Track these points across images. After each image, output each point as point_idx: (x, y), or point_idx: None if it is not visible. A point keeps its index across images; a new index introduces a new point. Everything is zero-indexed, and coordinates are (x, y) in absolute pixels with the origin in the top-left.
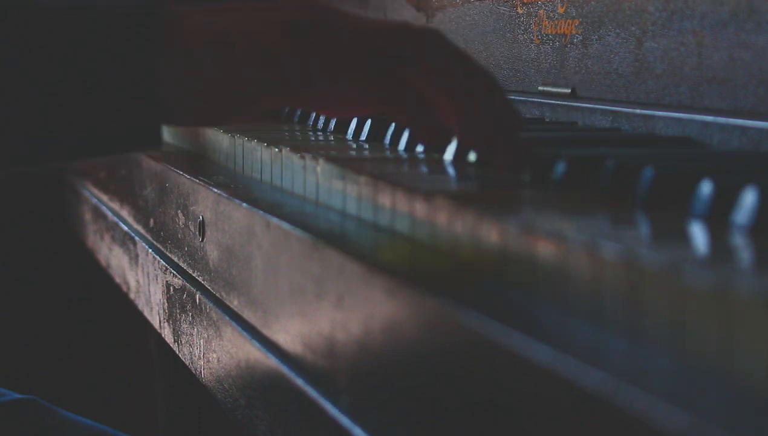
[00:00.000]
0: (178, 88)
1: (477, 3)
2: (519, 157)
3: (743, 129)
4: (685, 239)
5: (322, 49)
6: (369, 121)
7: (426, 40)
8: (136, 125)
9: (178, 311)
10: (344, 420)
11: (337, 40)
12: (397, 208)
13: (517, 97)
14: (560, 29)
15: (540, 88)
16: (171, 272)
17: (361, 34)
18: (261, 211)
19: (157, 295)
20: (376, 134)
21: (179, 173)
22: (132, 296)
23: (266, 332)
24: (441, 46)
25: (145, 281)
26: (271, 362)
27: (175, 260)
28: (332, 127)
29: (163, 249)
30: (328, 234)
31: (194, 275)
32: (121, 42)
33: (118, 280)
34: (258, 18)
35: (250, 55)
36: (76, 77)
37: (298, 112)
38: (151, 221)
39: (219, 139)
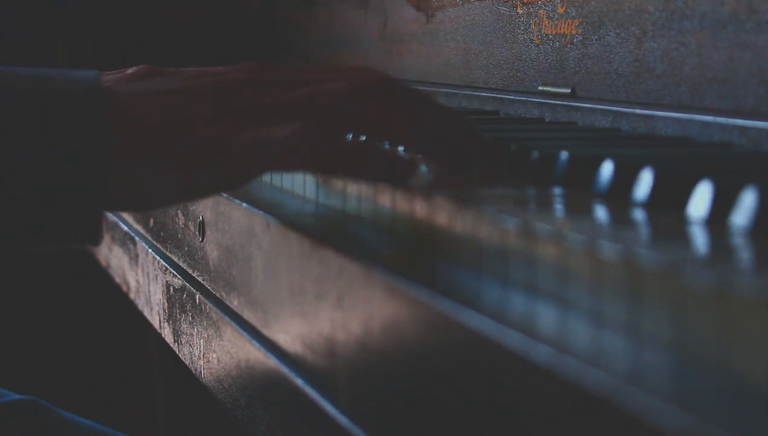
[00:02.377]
0: (123, 184)
1: (477, 3)
2: (490, 155)
3: (743, 129)
4: (685, 239)
5: (268, 140)
6: None
7: (372, 102)
8: (82, 215)
9: (178, 311)
10: (344, 420)
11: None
12: (396, 208)
13: (517, 97)
14: (560, 29)
15: (540, 88)
16: (171, 272)
17: (309, 114)
18: (261, 212)
19: (157, 295)
20: None
21: None
22: (132, 296)
23: (266, 332)
24: (385, 98)
25: (145, 281)
26: (271, 362)
27: (175, 260)
28: None
29: (163, 249)
30: (328, 234)
31: (194, 275)
32: (70, 128)
33: (118, 280)
34: (200, 106)
35: (194, 153)
36: (23, 167)
37: None
38: (151, 221)
39: None
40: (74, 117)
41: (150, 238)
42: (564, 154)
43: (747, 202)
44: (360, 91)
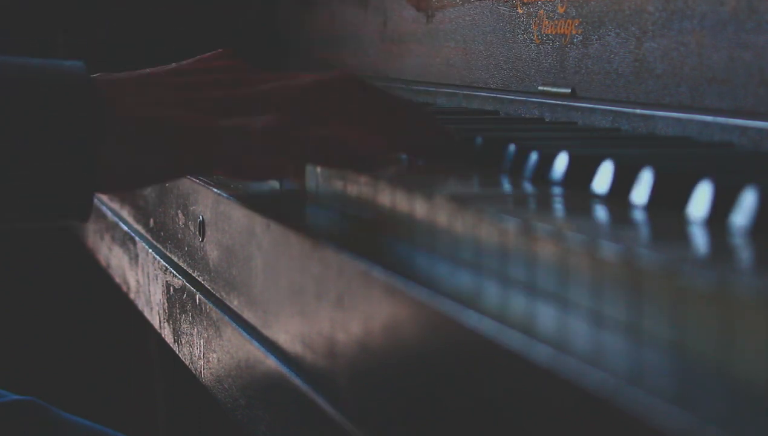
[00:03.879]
0: (111, 164)
1: (477, 3)
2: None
3: (743, 129)
4: (685, 239)
5: (245, 129)
6: None
7: (340, 93)
8: (72, 197)
9: (178, 311)
10: (344, 420)
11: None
12: (396, 208)
13: (517, 97)
14: (560, 29)
15: (540, 88)
16: (171, 272)
17: (283, 105)
18: (261, 212)
19: (157, 295)
20: None
21: None
22: (132, 296)
23: (266, 332)
24: (354, 95)
25: (145, 281)
26: (271, 362)
27: (175, 260)
28: None
29: (163, 249)
30: (328, 234)
31: (194, 275)
32: (66, 116)
33: (118, 280)
34: (183, 99)
35: (176, 140)
36: (16, 146)
37: None
38: (151, 221)
39: None
40: (66, 102)
41: (150, 238)
42: (564, 154)
43: (747, 202)
44: (325, 84)
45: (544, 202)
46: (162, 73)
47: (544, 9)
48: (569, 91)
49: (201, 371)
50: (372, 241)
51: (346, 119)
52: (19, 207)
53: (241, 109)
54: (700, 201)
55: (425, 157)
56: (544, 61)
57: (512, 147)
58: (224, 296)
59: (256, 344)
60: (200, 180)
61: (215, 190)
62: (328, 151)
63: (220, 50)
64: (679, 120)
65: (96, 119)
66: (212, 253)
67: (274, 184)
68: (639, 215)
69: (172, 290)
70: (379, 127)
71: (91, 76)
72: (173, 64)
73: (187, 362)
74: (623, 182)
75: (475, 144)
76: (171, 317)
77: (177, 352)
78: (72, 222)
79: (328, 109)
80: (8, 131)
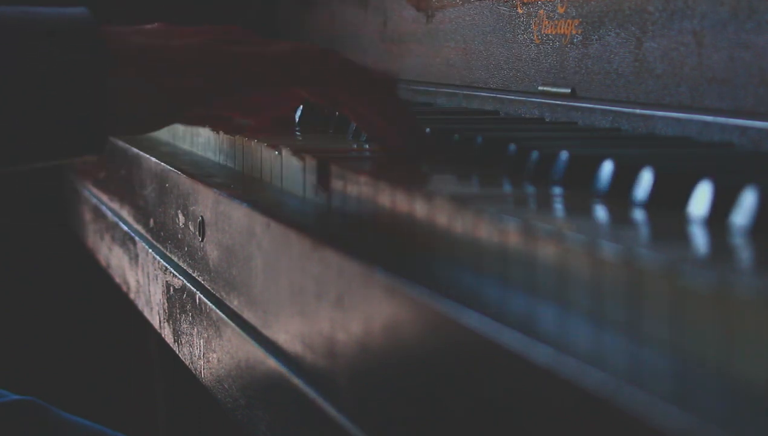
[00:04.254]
0: (120, 100)
1: (477, 3)
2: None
3: (743, 129)
4: (685, 239)
5: (239, 61)
6: None
7: (324, 61)
8: (86, 134)
9: (178, 311)
10: (344, 420)
11: (251, 54)
12: (396, 208)
13: (517, 97)
14: (560, 29)
15: (540, 88)
16: (171, 272)
17: (274, 51)
18: (261, 212)
19: (157, 295)
20: None
21: (179, 173)
22: (132, 296)
23: (266, 332)
24: (338, 66)
25: (145, 281)
26: (271, 362)
27: (175, 260)
28: (333, 127)
29: (163, 249)
30: (328, 234)
31: (194, 275)
32: (75, 58)
33: (118, 280)
34: (183, 38)
35: (178, 68)
36: (30, 88)
37: (298, 114)
38: (151, 221)
39: (221, 139)
40: (73, 43)
41: (150, 238)
42: (564, 154)
43: (747, 202)
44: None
45: (544, 202)
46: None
47: (544, 9)
48: (569, 91)
49: (201, 371)
50: (372, 241)
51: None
52: (38, 145)
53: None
54: (700, 201)
55: (392, 141)
56: (544, 61)
57: (512, 147)
58: (224, 296)
59: (256, 344)
60: (200, 180)
61: (215, 190)
62: (342, 72)
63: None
64: (679, 120)
65: (105, 54)
66: (212, 253)
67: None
68: (639, 215)
69: (172, 290)
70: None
71: (90, 16)
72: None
73: (187, 362)
74: (623, 182)
75: (475, 144)
76: (171, 317)
77: (177, 352)
78: (89, 156)
79: (329, 75)
80: (23, 73)
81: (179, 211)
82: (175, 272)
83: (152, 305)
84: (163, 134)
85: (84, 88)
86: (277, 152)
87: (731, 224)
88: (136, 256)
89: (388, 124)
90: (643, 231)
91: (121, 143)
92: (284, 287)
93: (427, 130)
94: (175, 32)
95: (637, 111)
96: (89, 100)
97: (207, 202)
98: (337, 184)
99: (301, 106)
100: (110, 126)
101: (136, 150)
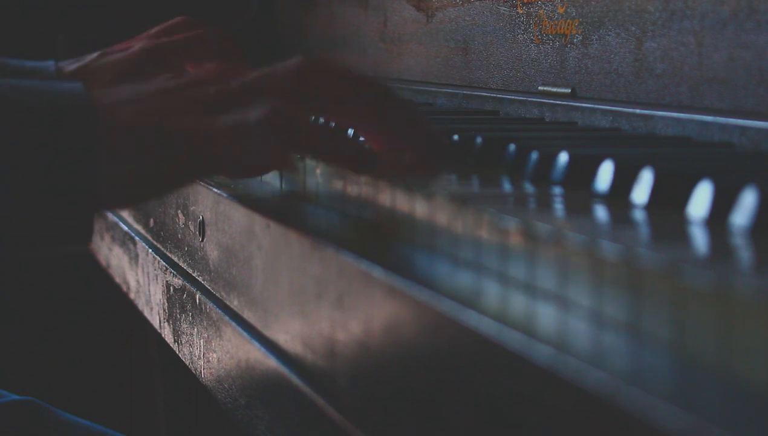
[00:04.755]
0: (110, 181)
1: (477, 3)
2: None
3: (743, 129)
4: (685, 239)
5: (241, 123)
6: None
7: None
8: (71, 221)
9: (178, 311)
10: (344, 420)
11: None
12: (396, 208)
13: (517, 97)
14: (560, 29)
15: (540, 88)
16: (171, 272)
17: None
18: (261, 212)
19: (157, 295)
20: None
21: None
22: (132, 296)
23: (266, 332)
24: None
25: (145, 281)
26: (271, 362)
27: (175, 260)
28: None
29: (163, 249)
30: (328, 234)
31: (194, 275)
32: (61, 138)
33: (118, 280)
34: (175, 104)
35: (175, 147)
36: (12, 172)
37: None
38: (151, 221)
39: None
40: (64, 129)
41: (150, 238)
42: (564, 154)
43: (747, 202)
44: (308, 63)
45: (544, 202)
46: (151, 80)
47: (544, 9)
48: (569, 91)
49: (201, 371)
50: (372, 241)
51: (333, 99)
52: (20, 232)
53: (236, 101)
54: (700, 201)
55: (413, 145)
56: (544, 61)
57: (512, 147)
58: (224, 296)
59: (256, 344)
60: (200, 180)
61: (215, 190)
62: (326, 139)
63: (179, 18)
64: (679, 120)
65: (92, 138)
66: (212, 253)
67: (275, 184)
68: (639, 215)
69: (172, 290)
70: (370, 108)
71: (86, 93)
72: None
73: (187, 362)
74: (623, 182)
75: (475, 144)
76: (171, 317)
77: (177, 352)
78: (74, 246)
79: (316, 89)
80: (8, 155)
81: (179, 211)
82: (175, 272)
83: (152, 305)
84: None
85: (72, 174)
86: None
87: (731, 224)
88: (136, 256)
89: (400, 136)
90: (643, 231)
91: None
92: (284, 287)
93: (455, 137)
94: (168, 100)
95: (637, 111)
96: (77, 186)
97: (207, 202)
98: (337, 184)
99: None
100: (99, 207)
101: None
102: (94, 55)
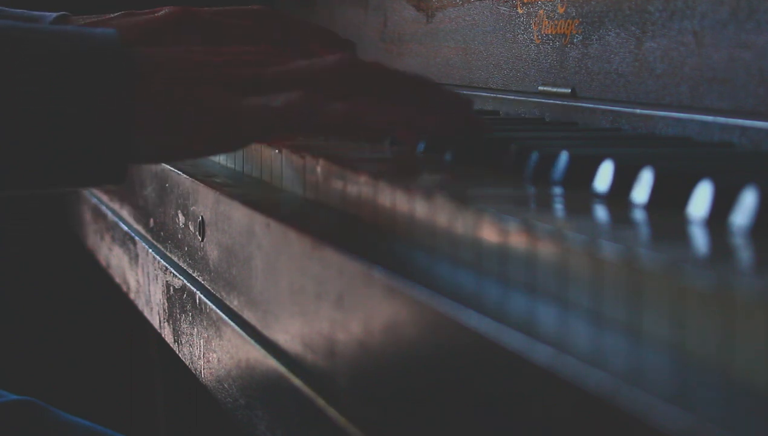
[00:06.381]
0: (147, 127)
1: (477, 3)
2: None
3: (743, 129)
4: (685, 239)
5: (266, 107)
6: None
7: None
8: (107, 163)
9: (178, 311)
10: (344, 420)
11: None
12: (396, 208)
13: (517, 97)
14: (560, 29)
15: (540, 88)
16: (171, 272)
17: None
18: (261, 212)
19: (157, 295)
20: None
21: (179, 173)
22: (132, 296)
23: (266, 332)
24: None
25: (145, 281)
26: (271, 362)
27: (175, 260)
28: None
29: (163, 249)
30: (328, 234)
31: (194, 275)
32: (99, 81)
33: (118, 280)
34: (211, 76)
35: (200, 120)
36: (51, 111)
37: None
38: (151, 221)
39: None
40: (103, 74)
41: (150, 238)
42: (564, 154)
43: (747, 202)
44: (352, 63)
45: (544, 202)
46: (195, 49)
47: (544, 9)
48: (569, 91)
49: (201, 371)
50: (372, 241)
51: (372, 98)
52: (59, 171)
53: (268, 87)
54: (700, 201)
55: (450, 134)
56: (544, 61)
57: (513, 147)
58: (224, 296)
59: (256, 344)
60: (200, 180)
61: (215, 190)
62: (348, 124)
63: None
64: (679, 120)
65: (129, 92)
66: (212, 253)
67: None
68: (639, 215)
69: (172, 290)
70: (407, 104)
71: (125, 49)
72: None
73: (187, 362)
74: (623, 182)
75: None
76: (171, 317)
77: (177, 352)
78: (108, 184)
79: (353, 87)
80: (49, 98)
81: (179, 211)
82: (175, 272)
83: (152, 305)
84: None
85: (110, 114)
86: (277, 151)
87: (731, 224)
88: (136, 256)
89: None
90: (643, 231)
91: None
92: (284, 287)
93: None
94: (205, 73)
95: (637, 111)
96: (113, 122)
97: (207, 202)
98: (337, 184)
99: None
100: (130, 158)
101: None
102: (118, 14)
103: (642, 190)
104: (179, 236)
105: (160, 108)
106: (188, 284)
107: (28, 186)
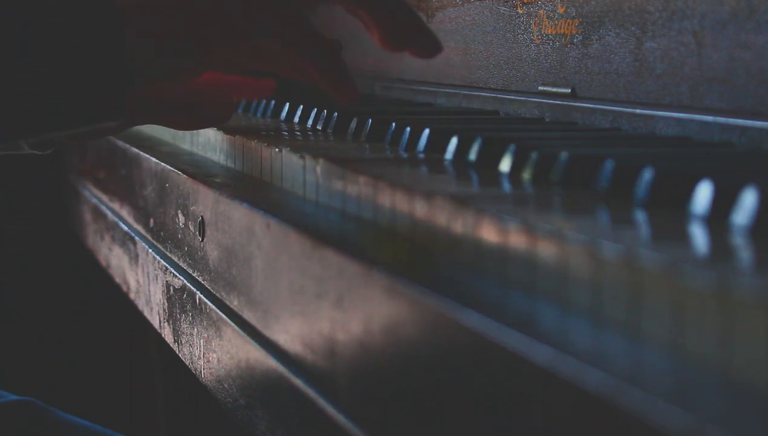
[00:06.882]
0: (141, 52)
1: (477, 3)
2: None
3: (743, 129)
4: (685, 239)
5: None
6: (369, 121)
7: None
8: (104, 94)
9: (178, 311)
10: (344, 420)
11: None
12: (396, 208)
13: (517, 97)
14: (560, 29)
15: (540, 88)
16: (171, 272)
17: None
18: (261, 212)
19: (157, 295)
20: (376, 134)
21: (179, 173)
22: (132, 296)
23: (266, 332)
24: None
25: (145, 281)
26: (271, 362)
27: (175, 260)
28: (332, 127)
29: (163, 249)
30: (328, 234)
31: (194, 275)
32: (91, 12)
33: (118, 280)
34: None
35: (199, 17)
36: (45, 49)
37: (298, 113)
38: (151, 221)
39: (221, 139)
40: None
41: (150, 238)
42: (564, 154)
43: (747, 202)
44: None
45: (544, 202)
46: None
47: (544, 9)
48: (569, 91)
49: (201, 371)
50: (372, 241)
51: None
52: (61, 113)
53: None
54: (701, 201)
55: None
56: (544, 61)
57: (512, 147)
58: (224, 296)
59: (256, 344)
60: (200, 180)
61: (215, 190)
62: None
63: None
64: (679, 120)
65: (118, 17)
66: (212, 253)
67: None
68: (639, 215)
69: (172, 290)
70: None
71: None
72: None
73: (187, 362)
74: (623, 182)
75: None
76: (171, 317)
77: (177, 352)
78: (110, 122)
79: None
80: (43, 42)
81: (179, 211)
82: (175, 272)
83: (152, 305)
84: (164, 134)
85: (100, 48)
86: (277, 150)
87: (731, 224)
88: (136, 256)
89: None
90: (644, 231)
91: (121, 143)
92: (284, 287)
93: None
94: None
95: (637, 111)
96: (107, 60)
97: (207, 202)
98: (336, 184)
99: (301, 107)
100: (130, 81)
101: (136, 150)
102: None
103: (642, 190)
104: (179, 235)
105: (150, 30)
106: (188, 284)
107: (29, 130)
